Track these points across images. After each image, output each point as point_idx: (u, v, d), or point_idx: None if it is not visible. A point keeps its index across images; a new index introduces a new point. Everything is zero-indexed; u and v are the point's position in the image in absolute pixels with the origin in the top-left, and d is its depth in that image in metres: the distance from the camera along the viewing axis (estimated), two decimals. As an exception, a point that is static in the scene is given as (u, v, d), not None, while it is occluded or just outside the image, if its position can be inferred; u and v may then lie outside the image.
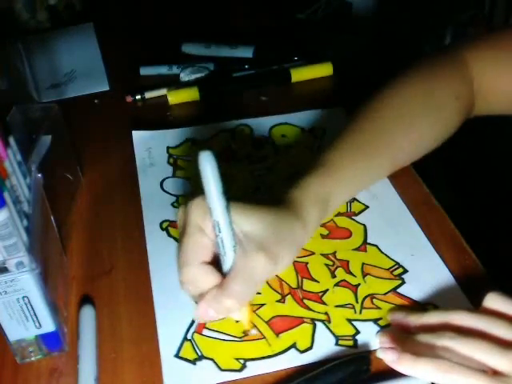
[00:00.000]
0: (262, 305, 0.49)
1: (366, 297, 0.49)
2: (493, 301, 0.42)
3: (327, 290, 0.50)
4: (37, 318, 0.44)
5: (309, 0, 1.30)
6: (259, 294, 0.50)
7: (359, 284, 0.50)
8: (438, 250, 0.53)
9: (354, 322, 0.47)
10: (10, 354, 0.46)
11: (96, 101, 0.80)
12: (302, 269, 0.52)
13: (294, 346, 0.46)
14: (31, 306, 0.43)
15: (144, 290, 0.51)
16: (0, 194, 0.38)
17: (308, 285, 0.51)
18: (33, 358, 0.46)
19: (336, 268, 0.52)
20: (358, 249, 0.54)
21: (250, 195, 0.60)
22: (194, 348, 0.46)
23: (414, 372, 0.41)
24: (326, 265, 0.52)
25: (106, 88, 0.82)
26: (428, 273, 0.51)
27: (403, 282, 0.50)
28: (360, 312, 0.48)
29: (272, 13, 1.00)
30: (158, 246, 0.55)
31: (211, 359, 0.45)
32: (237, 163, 0.65)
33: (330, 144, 0.52)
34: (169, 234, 0.56)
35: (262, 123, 0.71)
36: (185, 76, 0.80)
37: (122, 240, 0.57)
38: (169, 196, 0.61)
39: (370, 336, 0.46)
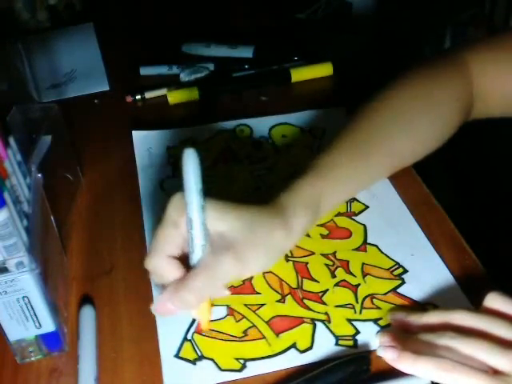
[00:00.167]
0: (262, 305, 0.49)
1: (366, 297, 0.49)
2: (493, 301, 0.43)
3: (327, 290, 0.50)
4: (37, 317, 0.44)
5: (309, 0, 1.30)
6: (259, 294, 0.50)
7: (359, 284, 0.50)
8: (437, 249, 0.53)
9: (354, 322, 0.47)
10: (10, 353, 0.46)
11: (96, 101, 0.80)
12: (302, 269, 0.52)
13: (293, 345, 0.46)
14: (31, 305, 0.43)
15: (144, 290, 0.51)
16: (0, 194, 0.38)
17: (308, 285, 0.51)
18: (33, 358, 0.46)
19: (336, 268, 0.52)
20: (357, 249, 0.54)
21: (242, 196, 0.60)
22: (193, 348, 0.46)
23: (414, 370, 0.41)
24: (326, 265, 0.52)
25: (106, 88, 0.82)
26: (428, 273, 0.51)
27: (403, 282, 0.50)
28: (360, 312, 0.48)
29: (272, 13, 1.00)
30: (158, 246, 0.55)
31: (211, 359, 0.45)
32: (237, 163, 0.65)
33: (326, 147, 0.51)
34: (169, 234, 0.56)
35: (262, 123, 0.71)
36: (185, 76, 0.80)
37: (122, 240, 0.57)
38: (169, 196, 0.61)
39: (370, 336, 0.46)
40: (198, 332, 0.47)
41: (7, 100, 0.58)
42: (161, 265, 0.42)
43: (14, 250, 0.40)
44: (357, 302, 0.49)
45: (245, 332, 0.47)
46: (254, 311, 0.49)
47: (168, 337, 0.47)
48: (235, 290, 0.50)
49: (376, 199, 0.59)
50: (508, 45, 0.57)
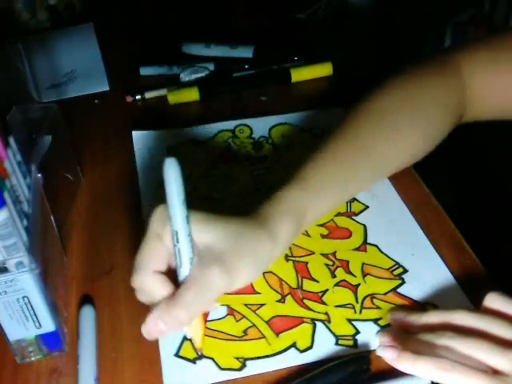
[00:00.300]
0: (262, 305, 0.49)
1: (366, 297, 0.49)
2: (493, 301, 0.43)
3: (327, 289, 0.50)
4: (37, 318, 0.44)
5: (309, 0, 1.30)
6: (259, 293, 0.50)
7: (359, 284, 0.50)
8: (438, 249, 0.53)
9: (354, 322, 0.47)
10: (10, 353, 0.46)
11: (96, 101, 0.80)
12: (302, 269, 0.52)
13: (293, 345, 0.46)
14: (31, 305, 0.43)
15: (144, 290, 0.51)
16: (0, 193, 0.38)
17: (308, 285, 0.51)
18: (33, 358, 0.46)
19: (336, 268, 0.52)
20: (358, 249, 0.54)
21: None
22: (193, 347, 0.46)
23: (413, 370, 0.41)
24: (326, 265, 0.52)
25: (106, 88, 0.82)
26: (428, 273, 0.51)
27: (403, 282, 0.50)
28: (360, 312, 0.48)
29: (272, 13, 1.00)
30: (158, 245, 0.55)
31: (211, 358, 0.45)
32: (237, 163, 0.65)
33: (311, 155, 0.50)
34: (169, 234, 0.56)
35: (262, 123, 0.71)
36: (185, 76, 0.80)
37: (122, 240, 0.57)
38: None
39: (370, 336, 0.46)
40: (198, 332, 0.47)
41: (7, 100, 0.58)
42: (148, 282, 0.40)
43: (14, 250, 0.40)
44: (357, 302, 0.49)
45: (245, 332, 0.47)
46: (253, 311, 0.49)
47: (168, 336, 0.47)
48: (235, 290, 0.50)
49: (376, 199, 0.59)
50: (502, 45, 0.56)
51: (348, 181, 0.50)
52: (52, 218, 0.50)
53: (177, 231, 0.39)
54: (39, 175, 0.47)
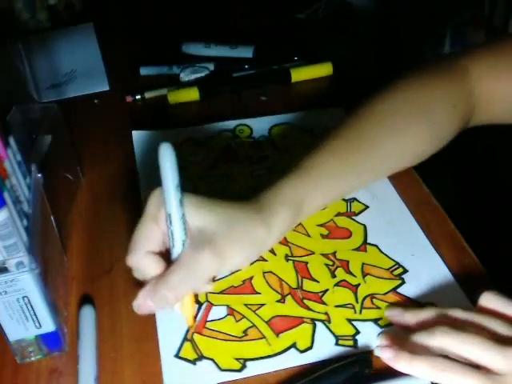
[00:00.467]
0: (262, 305, 0.49)
1: (366, 297, 0.49)
2: (488, 300, 0.43)
3: (327, 290, 0.50)
4: (37, 318, 0.44)
5: (309, 0, 1.30)
6: (259, 294, 0.50)
7: (359, 284, 0.50)
8: (438, 249, 0.53)
9: (354, 322, 0.47)
10: (10, 353, 0.46)
11: (96, 101, 0.80)
12: (302, 269, 0.52)
13: (294, 345, 0.46)
14: (31, 306, 0.43)
15: (144, 290, 0.51)
16: (0, 194, 0.38)
17: (308, 285, 0.51)
18: (33, 358, 0.46)
19: (336, 268, 0.52)
20: (358, 249, 0.54)
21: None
22: (193, 348, 0.46)
23: (410, 370, 0.41)
24: (326, 265, 0.52)
25: (106, 88, 0.82)
26: (428, 273, 0.51)
27: (403, 282, 0.50)
28: (360, 312, 0.48)
29: (272, 13, 1.00)
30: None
31: (211, 359, 0.45)
32: (237, 163, 0.65)
33: (313, 148, 0.50)
34: (169, 234, 0.56)
35: (262, 123, 0.71)
36: (185, 76, 0.80)
37: (122, 240, 0.56)
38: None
39: (370, 336, 0.46)
40: (198, 332, 0.47)
41: (7, 100, 0.58)
42: (142, 261, 0.42)
43: (14, 250, 0.40)
44: (357, 302, 0.49)
45: (245, 332, 0.47)
46: (254, 311, 0.49)
47: (168, 337, 0.47)
48: (235, 290, 0.50)
49: (376, 199, 0.59)
50: (508, 50, 0.56)
51: (347, 176, 0.51)
52: (52, 218, 0.50)
53: (170, 214, 0.40)
54: (39, 175, 0.47)
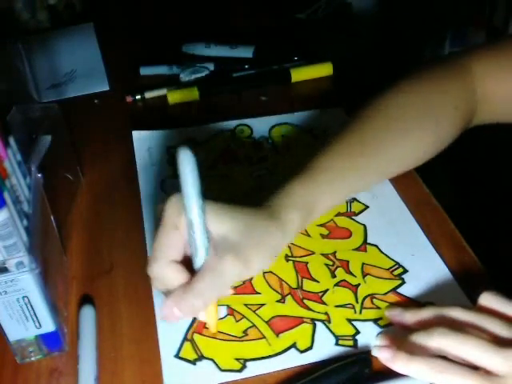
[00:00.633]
0: (262, 305, 0.49)
1: (366, 297, 0.49)
2: (487, 300, 0.43)
3: (327, 290, 0.50)
4: (37, 318, 0.44)
5: (309, 0, 1.30)
6: (259, 294, 0.50)
7: (359, 284, 0.50)
8: (438, 249, 0.53)
9: (354, 322, 0.47)
10: (10, 353, 0.46)
11: (96, 101, 0.80)
12: (302, 269, 0.52)
13: (294, 345, 0.46)
14: (31, 306, 0.43)
15: (144, 290, 0.51)
16: (0, 194, 0.38)
17: (308, 285, 0.51)
18: (33, 358, 0.46)
19: (336, 268, 0.52)
20: (358, 249, 0.54)
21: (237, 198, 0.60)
22: (193, 348, 0.46)
23: (407, 371, 0.40)
24: (326, 265, 0.52)
25: (106, 88, 0.82)
26: (428, 273, 0.51)
27: (403, 282, 0.50)
28: (360, 312, 0.48)
29: (272, 13, 1.00)
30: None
31: (211, 359, 0.45)
32: (236, 163, 0.65)
33: (320, 149, 0.51)
34: (169, 234, 0.56)
35: (262, 123, 0.71)
36: (185, 76, 0.80)
37: (122, 240, 0.57)
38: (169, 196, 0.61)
39: (370, 336, 0.46)
40: (199, 332, 0.47)
41: (7, 100, 0.58)
42: (164, 271, 0.42)
43: (14, 250, 0.40)
44: (357, 302, 0.49)
45: (245, 332, 0.47)
46: (254, 311, 0.49)
47: (168, 337, 0.47)
48: (235, 290, 0.50)
49: (376, 199, 0.59)
50: (510, 50, 0.56)
51: (355, 177, 0.51)
52: (52, 217, 0.50)
53: (192, 221, 0.39)
54: (39, 175, 0.47)
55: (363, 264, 0.52)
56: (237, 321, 0.48)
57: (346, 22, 1.34)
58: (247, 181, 0.62)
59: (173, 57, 0.85)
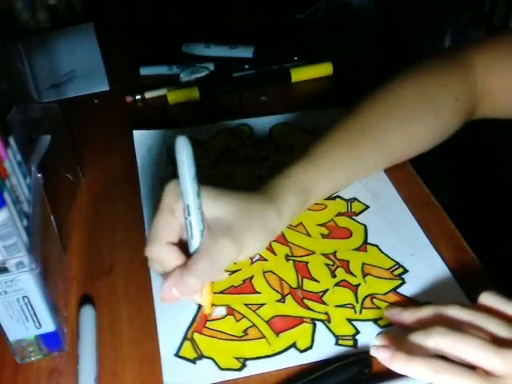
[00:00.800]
0: (262, 304, 0.49)
1: (366, 297, 0.49)
2: (487, 299, 0.43)
3: (327, 289, 0.50)
4: (37, 317, 0.44)
5: (309, 0, 1.30)
6: (259, 293, 0.50)
7: (359, 284, 0.50)
8: (438, 249, 0.53)
9: (354, 322, 0.47)
10: (10, 353, 0.46)
11: (96, 101, 0.80)
12: (302, 268, 0.52)
13: (293, 345, 0.46)
14: (31, 305, 0.43)
15: (144, 290, 0.51)
16: (0, 193, 0.38)
17: (308, 285, 0.51)
18: (33, 358, 0.46)
19: (336, 268, 0.52)
20: (358, 249, 0.54)
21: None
22: (193, 347, 0.46)
23: (406, 371, 0.40)
24: (327, 265, 0.52)
25: (106, 88, 0.82)
26: (428, 272, 0.51)
27: (403, 282, 0.50)
28: (360, 312, 0.48)
29: (272, 13, 1.00)
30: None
31: (211, 358, 0.45)
32: (237, 163, 0.65)
33: (320, 136, 0.52)
34: (169, 234, 0.56)
35: (262, 123, 0.71)
36: (185, 76, 0.80)
37: (122, 240, 0.57)
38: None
39: (370, 336, 0.46)
40: (199, 331, 0.47)
41: (7, 100, 0.58)
42: (161, 252, 0.43)
43: (14, 249, 0.40)
44: (357, 302, 0.49)
45: (245, 331, 0.47)
46: (254, 311, 0.49)
47: (168, 336, 0.47)
48: (235, 289, 0.50)
49: (376, 199, 0.59)
50: (511, 43, 0.56)
51: (354, 164, 0.53)
52: (52, 217, 0.50)
53: (188, 205, 0.41)
54: (39, 175, 0.47)
55: (363, 264, 0.52)
56: (237, 320, 0.48)
57: (346, 22, 1.34)
58: (249, 180, 0.62)
59: (173, 57, 0.85)
